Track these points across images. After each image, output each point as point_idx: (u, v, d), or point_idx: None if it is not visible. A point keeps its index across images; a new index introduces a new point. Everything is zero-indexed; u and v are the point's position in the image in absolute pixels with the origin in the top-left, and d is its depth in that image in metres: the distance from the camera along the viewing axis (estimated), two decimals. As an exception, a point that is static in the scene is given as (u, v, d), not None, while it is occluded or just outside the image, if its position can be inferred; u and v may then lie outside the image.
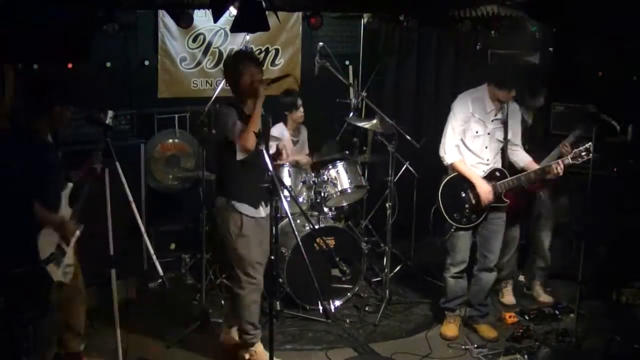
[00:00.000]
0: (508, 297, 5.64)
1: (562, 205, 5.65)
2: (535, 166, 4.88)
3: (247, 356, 4.56)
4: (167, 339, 4.83)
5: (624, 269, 5.45)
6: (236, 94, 4.41)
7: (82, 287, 4.22)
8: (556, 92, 5.62)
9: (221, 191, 4.44)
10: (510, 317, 5.28)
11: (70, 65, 5.29)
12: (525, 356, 4.64)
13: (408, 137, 5.47)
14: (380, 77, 6.98)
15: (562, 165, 4.73)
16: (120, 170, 3.79)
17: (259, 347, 4.56)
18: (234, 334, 4.71)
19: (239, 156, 4.20)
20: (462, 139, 4.85)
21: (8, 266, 4.24)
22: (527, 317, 5.30)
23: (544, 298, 5.68)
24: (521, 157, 4.96)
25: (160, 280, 5.41)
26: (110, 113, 4.20)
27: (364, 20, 6.74)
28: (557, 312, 5.35)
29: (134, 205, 3.73)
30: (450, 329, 5.08)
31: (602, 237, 5.57)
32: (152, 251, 3.84)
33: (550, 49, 6.76)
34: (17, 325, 4.40)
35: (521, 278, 5.93)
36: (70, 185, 4.05)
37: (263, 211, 4.44)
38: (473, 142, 4.85)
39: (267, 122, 4.67)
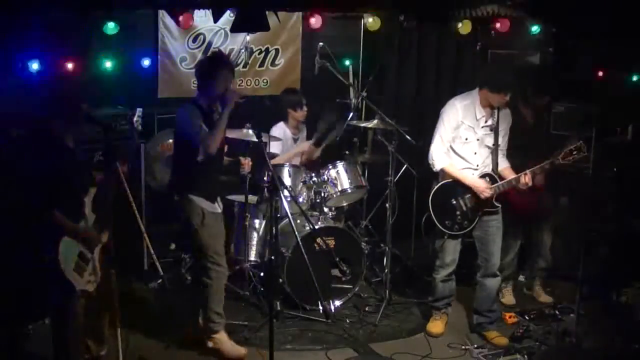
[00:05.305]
0: (508, 297, 5.64)
1: (562, 205, 5.64)
2: (510, 174, 4.79)
3: (210, 344, 4.62)
4: (167, 339, 4.83)
5: (624, 269, 5.45)
6: (206, 96, 4.46)
7: (107, 297, 4.13)
8: (556, 92, 5.61)
9: (178, 186, 4.53)
10: (510, 317, 5.28)
11: (70, 66, 5.32)
12: (525, 356, 4.64)
13: (408, 137, 5.46)
14: (380, 77, 6.97)
15: (529, 176, 4.66)
16: (120, 170, 3.79)
17: (223, 336, 4.62)
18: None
19: (200, 157, 4.32)
20: (450, 145, 4.82)
21: (15, 267, 4.25)
22: (527, 317, 5.29)
23: (544, 298, 5.67)
24: (500, 163, 4.87)
25: (160, 280, 5.46)
26: (138, 111, 4.15)
27: (364, 20, 6.74)
28: (557, 312, 5.35)
29: (134, 205, 3.73)
30: (436, 325, 5.10)
31: (602, 237, 5.57)
32: (152, 251, 3.83)
33: (551, 49, 6.77)
34: (17, 326, 4.42)
35: (521, 278, 5.93)
36: (94, 190, 3.98)
37: (218, 207, 4.60)
38: (462, 148, 4.80)
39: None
